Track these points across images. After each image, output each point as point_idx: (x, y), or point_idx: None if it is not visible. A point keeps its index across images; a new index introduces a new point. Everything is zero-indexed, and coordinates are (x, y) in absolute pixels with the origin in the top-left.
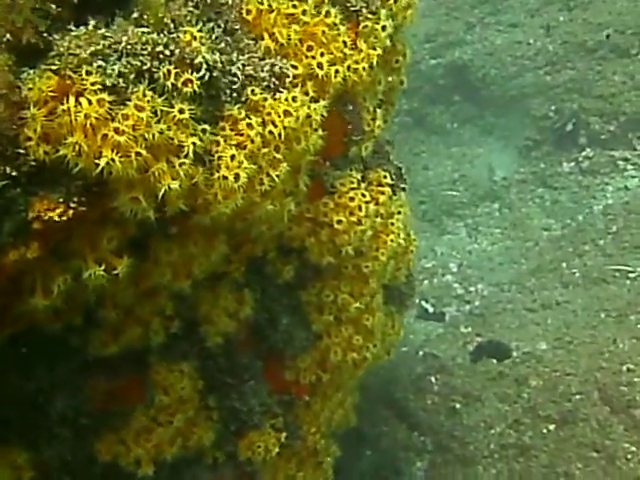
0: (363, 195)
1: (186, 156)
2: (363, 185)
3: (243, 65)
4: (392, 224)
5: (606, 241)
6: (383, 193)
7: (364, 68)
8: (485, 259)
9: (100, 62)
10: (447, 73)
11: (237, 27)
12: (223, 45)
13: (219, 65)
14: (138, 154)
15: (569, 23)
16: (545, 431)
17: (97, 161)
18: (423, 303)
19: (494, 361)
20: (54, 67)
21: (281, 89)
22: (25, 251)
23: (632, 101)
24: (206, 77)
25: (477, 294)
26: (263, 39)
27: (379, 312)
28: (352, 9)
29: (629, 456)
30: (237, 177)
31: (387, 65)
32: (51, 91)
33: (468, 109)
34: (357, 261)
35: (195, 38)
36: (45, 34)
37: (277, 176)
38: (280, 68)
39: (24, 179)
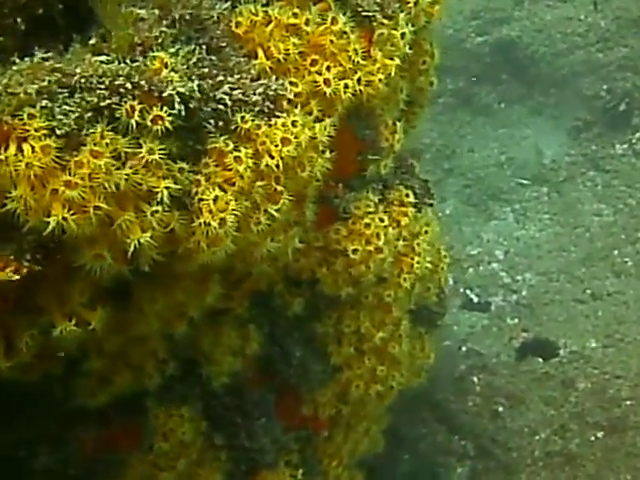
0: (381, 220)
1: (159, 202)
2: (382, 207)
3: (231, 89)
4: (417, 245)
5: None
6: (406, 214)
7: (380, 80)
8: (533, 246)
9: (46, 102)
10: (494, 51)
11: (224, 44)
12: (206, 68)
13: (197, 95)
14: (97, 208)
15: None
16: (593, 439)
17: (47, 219)
18: (468, 292)
19: (540, 360)
20: None
21: (277, 113)
22: None
23: None
24: (181, 110)
25: (524, 283)
26: (257, 56)
27: (405, 339)
28: (364, 14)
29: None
30: (223, 222)
31: (413, 67)
32: None
33: (516, 88)
34: (378, 289)
35: (166, 65)
36: None
37: (277, 210)
38: (275, 89)
39: None
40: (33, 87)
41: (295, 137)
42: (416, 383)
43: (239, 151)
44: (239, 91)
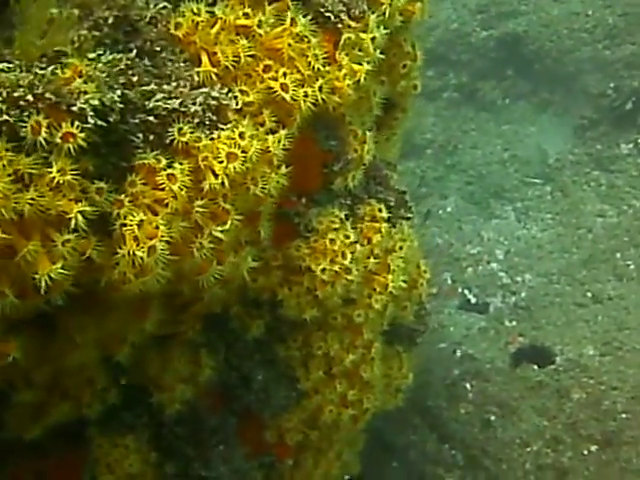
0: (347, 237)
1: (74, 230)
2: (349, 223)
3: (166, 98)
4: (391, 263)
5: None
6: (378, 230)
7: (348, 86)
8: (534, 246)
9: None
10: (499, 46)
11: (159, 48)
12: (135, 76)
13: (118, 106)
14: None
15: None
16: (586, 452)
17: None
18: (466, 292)
19: (535, 367)
20: None
21: (220, 125)
22: None
23: None
24: (97, 124)
25: (524, 284)
26: (200, 61)
27: (378, 362)
28: (328, 16)
29: None
30: (152, 250)
31: (393, 71)
32: None
33: (521, 85)
34: (347, 310)
35: (80, 74)
36: None
37: (223, 231)
38: (218, 99)
39: None
40: None
41: (243, 151)
42: (392, 405)
43: (173, 167)
44: (176, 101)
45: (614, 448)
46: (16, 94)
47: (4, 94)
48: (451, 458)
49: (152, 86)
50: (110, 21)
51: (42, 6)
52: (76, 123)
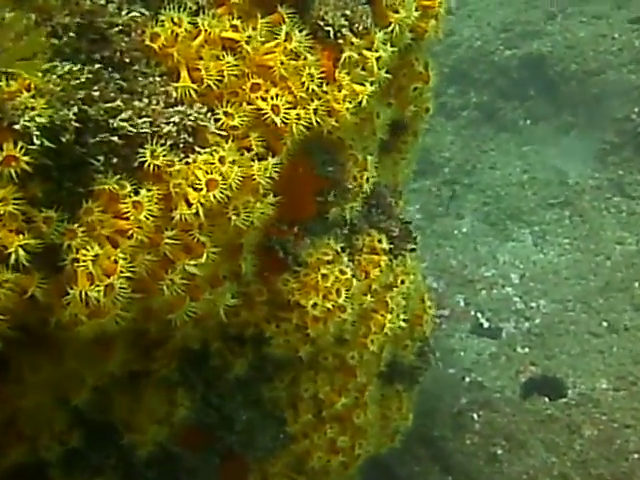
0: (342, 272)
1: (14, 266)
2: (346, 255)
3: (135, 116)
4: (390, 300)
5: None
6: (377, 264)
7: (348, 109)
8: (550, 272)
9: None
10: (523, 66)
11: (131, 59)
12: (98, 91)
13: (72, 125)
14: None
15: None
16: None
17: None
18: (479, 316)
19: (546, 399)
20: None
21: (197, 148)
22: None
23: None
24: (44, 144)
25: (538, 311)
26: (179, 76)
27: (373, 405)
28: (328, 30)
29: None
30: (109, 288)
31: (402, 93)
32: None
33: (543, 106)
34: (339, 350)
35: (28, 87)
36: None
37: (198, 266)
38: (196, 119)
39: None
40: None
41: (223, 178)
42: (388, 448)
43: (140, 194)
44: (146, 119)
45: None
46: None
47: None
48: None
49: (118, 102)
50: (72, 28)
51: None
52: (20, 144)
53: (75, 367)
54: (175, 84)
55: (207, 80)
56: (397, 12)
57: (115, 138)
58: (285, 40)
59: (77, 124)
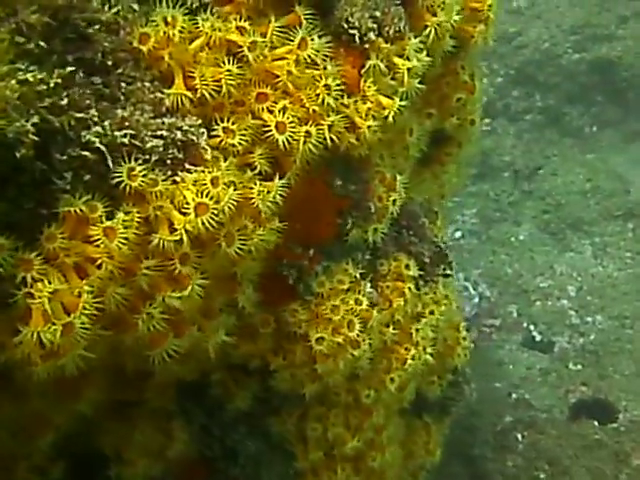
0: (358, 302)
1: None
2: (367, 282)
3: (114, 127)
4: (416, 332)
5: None
6: (402, 293)
7: (369, 127)
8: (609, 286)
9: None
10: (591, 70)
11: (116, 62)
12: (66, 98)
13: (30, 138)
14: None
15: None
16: None
17: None
18: (531, 328)
19: (595, 423)
20: None
21: (188, 166)
22: None
23: None
24: None
25: (594, 326)
26: (173, 83)
27: (393, 445)
28: (353, 34)
29: None
30: (68, 328)
31: (444, 104)
32: None
33: (611, 112)
34: (353, 385)
35: None
36: None
37: (182, 297)
38: (186, 131)
39: None
40: None
41: (215, 201)
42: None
43: (114, 218)
44: (127, 132)
45: None
46: None
47: None
48: None
49: (93, 112)
50: (41, 25)
51: None
52: None
53: (39, 408)
54: (167, 91)
55: (201, 89)
56: (435, 15)
57: (87, 153)
58: (299, 46)
59: (38, 137)
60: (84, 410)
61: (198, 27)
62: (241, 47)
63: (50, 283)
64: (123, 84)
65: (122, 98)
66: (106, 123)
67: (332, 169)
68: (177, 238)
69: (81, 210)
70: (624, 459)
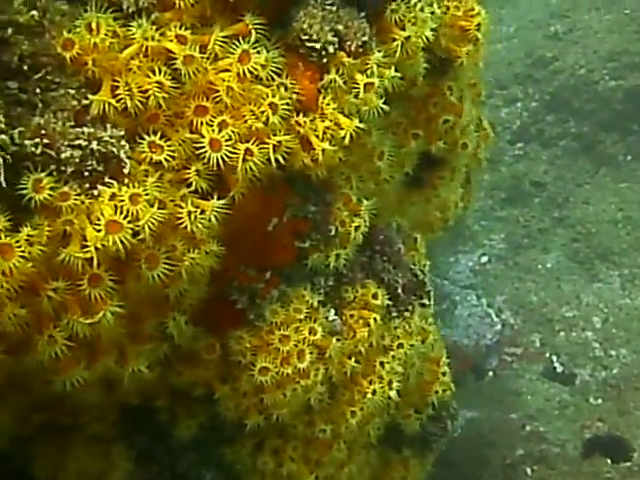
0: (312, 331)
1: None
2: (326, 310)
3: (28, 137)
4: (381, 365)
5: None
6: (367, 323)
7: (324, 148)
8: (636, 319)
9: None
10: (627, 98)
11: (34, 67)
12: None
13: None
14: None
15: None
16: None
17: None
18: (554, 359)
19: (608, 461)
20: None
21: (109, 180)
22: None
23: None
24: None
25: (618, 360)
26: (98, 91)
27: None
28: (311, 47)
29: None
30: None
31: (432, 125)
32: None
33: None
34: (312, 417)
35: None
36: None
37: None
38: (106, 143)
39: None
40: None
41: (135, 219)
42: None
43: (13, 234)
44: (42, 140)
45: None
46: None
47: None
48: None
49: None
50: None
51: None
52: None
53: None
54: (91, 97)
55: (125, 99)
56: (404, 29)
57: None
58: (239, 60)
59: None
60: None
61: (128, 34)
62: (178, 54)
63: None
64: (44, 90)
65: (40, 105)
66: (16, 131)
67: (291, 189)
68: (87, 255)
69: None
70: None
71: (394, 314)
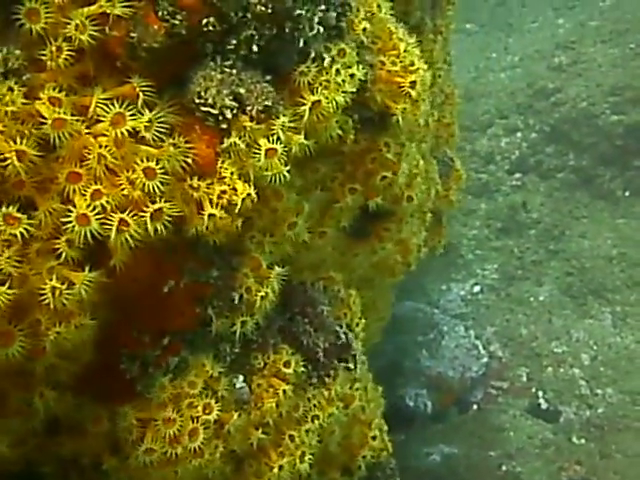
0: (206, 408)
1: None
2: (228, 380)
3: None
4: (290, 439)
5: None
6: (276, 393)
7: (213, 214)
8: (625, 358)
9: None
10: (628, 133)
11: None
12: None
13: None
14: None
15: None
16: None
17: None
18: (539, 394)
19: None
20: None
21: None
22: None
23: None
24: None
25: (604, 399)
26: None
27: None
28: (207, 111)
29: None
30: None
31: (370, 181)
32: None
33: None
34: None
35: None
36: None
37: None
38: None
39: None
40: None
41: None
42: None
43: None
44: None
45: None
46: None
47: None
48: None
49: None
50: None
51: None
52: None
53: None
54: None
55: None
56: (314, 93)
57: None
58: (113, 123)
59: None
60: None
61: None
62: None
63: None
64: None
65: None
66: None
67: (191, 253)
68: None
69: None
70: None
71: (313, 380)
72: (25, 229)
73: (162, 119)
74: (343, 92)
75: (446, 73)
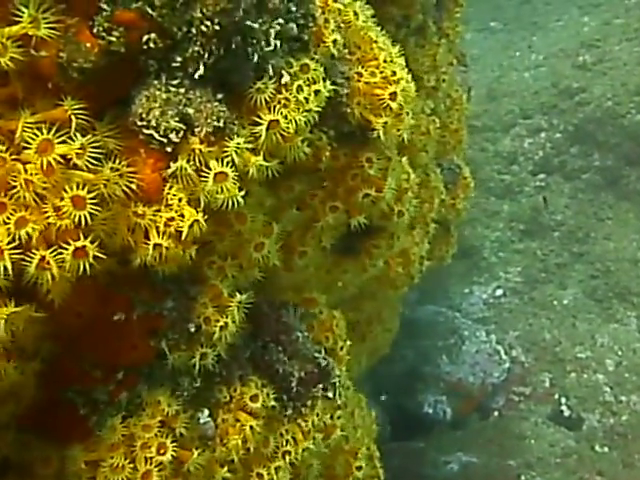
0: (160, 450)
1: None
2: (197, 414)
3: None
4: (258, 478)
5: None
6: (242, 429)
7: (158, 244)
8: None
9: None
10: None
11: None
12: None
13: None
14: None
15: None
16: None
17: None
18: (562, 401)
19: None
20: None
21: None
22: None
23: None
24: None
25: (628, 406)
26: None
27: None
28: (149, 134)
29: None
30: None
31: (351, 199)
32: None
33: None
34: None
35: None
36: None
37: None
38: None
39: None
40: None
41: None
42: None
43: None
44: None
45: None
46: None
47: None
48: None
49: None
50: None
51: None
52: None
53: None
54: None
55: None
56: (272, 111)
57: None
58: (39, 151)
59: None
60: None
61: None
62: None
63: None
64: None
65: None
66: None
67: (143, 283)
68: None
69: None
70: None
71: (288, 411)
72: None
73: (98, 143)
74: (306, 110)
75: (451, 77)
